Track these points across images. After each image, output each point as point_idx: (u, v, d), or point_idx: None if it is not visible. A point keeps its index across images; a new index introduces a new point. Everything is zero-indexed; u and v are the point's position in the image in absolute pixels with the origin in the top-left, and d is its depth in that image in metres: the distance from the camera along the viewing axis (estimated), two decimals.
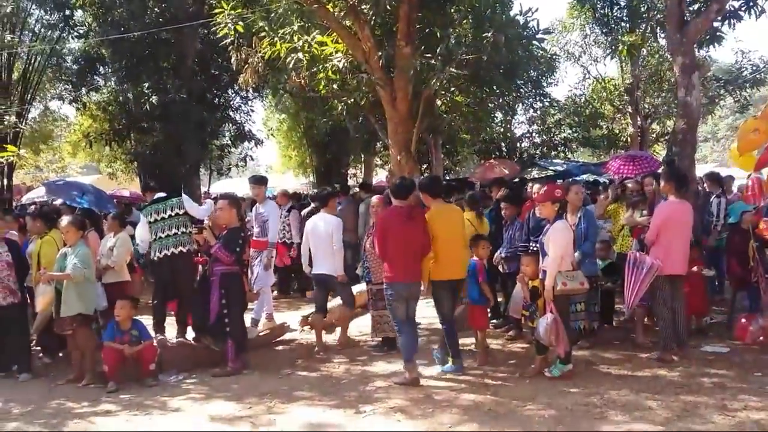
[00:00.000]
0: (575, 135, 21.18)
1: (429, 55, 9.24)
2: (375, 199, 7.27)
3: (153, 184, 7.91)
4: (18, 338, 6.57)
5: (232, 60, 10.05)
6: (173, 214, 6.88)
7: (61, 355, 7.01)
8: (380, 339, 6.96)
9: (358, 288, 7.88)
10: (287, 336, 7.77)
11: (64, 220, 6.44)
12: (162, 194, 7.09)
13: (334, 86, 10.28)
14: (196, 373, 6.38)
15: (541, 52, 13.94)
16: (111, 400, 5.65)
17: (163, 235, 6.81)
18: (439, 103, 11.67)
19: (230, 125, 19.92)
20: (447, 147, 19.61)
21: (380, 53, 9.19)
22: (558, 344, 5.57)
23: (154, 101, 16.60)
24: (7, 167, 15.60)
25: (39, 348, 7.11)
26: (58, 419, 5.21)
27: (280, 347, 7.46)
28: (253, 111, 20.80)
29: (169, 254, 6.76)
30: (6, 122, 12.51)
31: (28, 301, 6.77)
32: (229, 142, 20.33)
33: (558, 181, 11.42)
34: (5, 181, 17.28)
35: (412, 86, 9.43)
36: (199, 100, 17.25)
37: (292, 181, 26.76)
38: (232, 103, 19.85)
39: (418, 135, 10.12)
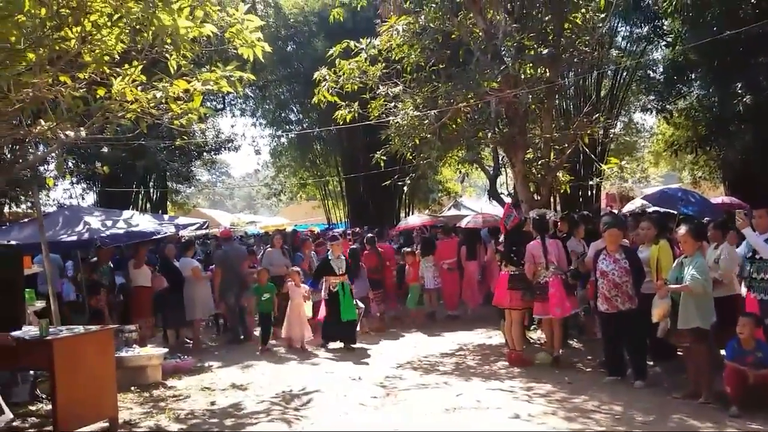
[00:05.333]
0: None
1: None
2: None
3: None
4: (636, 344, 6.70)
5: None
6: None
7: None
8: None
9: None
10: None
11: (682, 229, 6.29)
12: None
13: None
14: None
15: None
16: (736, 426, 5.21)
17: (757, 277, 6.12)
18: None
19: None
20: None
21: None
22: None
23: (747, 101, 15.24)
24: (598, 177, 16.70)
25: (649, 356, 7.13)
26: None
27: None
28: None
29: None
30: (604, 137, 13.39)
31: None
32: None
33: None
34: (595, 191, 18.69)
35: None
36: None
37: None
38: None
39: None
